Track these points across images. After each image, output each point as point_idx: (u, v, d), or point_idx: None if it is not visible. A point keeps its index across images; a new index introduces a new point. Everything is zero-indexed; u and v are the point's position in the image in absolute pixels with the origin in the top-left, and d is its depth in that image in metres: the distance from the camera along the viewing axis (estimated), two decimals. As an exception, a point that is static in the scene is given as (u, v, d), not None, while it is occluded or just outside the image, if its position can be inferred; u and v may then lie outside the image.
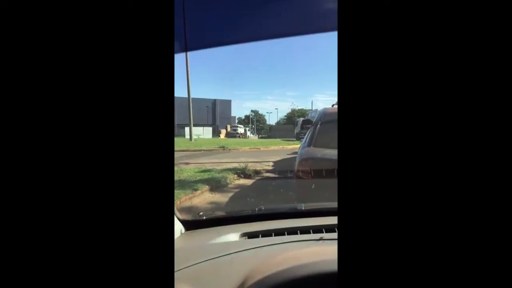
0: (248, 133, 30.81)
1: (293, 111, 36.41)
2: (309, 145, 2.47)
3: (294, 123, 25.07)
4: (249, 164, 5.23)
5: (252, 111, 55.81)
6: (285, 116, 28.21)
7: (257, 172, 4.83)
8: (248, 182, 4.29)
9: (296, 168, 2.34)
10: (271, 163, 6.08)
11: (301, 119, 24.54)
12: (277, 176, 4.46)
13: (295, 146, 11.02)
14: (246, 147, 10.59)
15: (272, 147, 11.05)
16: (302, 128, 26.11)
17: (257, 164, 5.93)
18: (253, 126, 33.92)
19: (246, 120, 49.74)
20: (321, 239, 0.74)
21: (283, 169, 4.99)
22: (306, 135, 2.90)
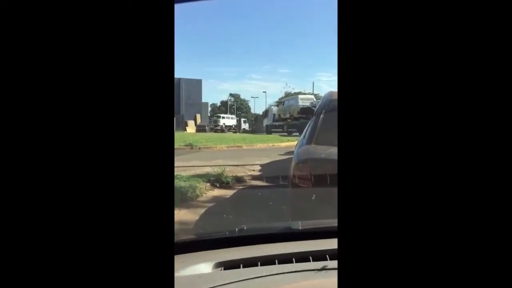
0: (245, 125, 30.10)
1: (287, 95, 36.68)
2: (309, 142, 2.49)
3: (263, 113, 25.59)
4: (227, 169, 5.22)
5: (231, 95, 56.00)
6: (277, 102, 28.35)
7: (238, 180, 4.84)
8: (225, 193, 4.30)
9: (291, 172, 2.37)
10: (258, 167, 6.11)
11: (274, 107, 25.00)
12: (265, 184, 4.50)
13: (291, 143, 11.12)
14: (222, 145, 10.57)
15: (259, 145, 11.11)
16: (276, 119, 26.42)
17: (238, 168, 5.93)
18: (233, 117, 33.76)
19: (223, 108, 49.61)
20: (324, 268, 0.75)
21: (273, 174, 5.04)
22: (306, 128, 2.93)
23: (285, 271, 0.77)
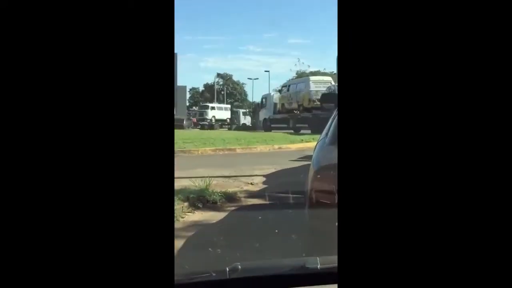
0: (245, 119, 29.72)
1: (300, 75, 36.54)
2: (332, 142, 2.55)
3: (261, 103, 25.20)
4: (214, 182, 5.23)
5: (219, 75, 55.78)
6: (284, 85, 28.12)
7: (229, 197, 4.84)
8: (211, 216, 4.29)
9: (309, 184, 2.43)
10: (258, 179, 6.15)
11: (275, 94, 24.35)
12: (267, 202, 4.49)
13: (306, 145, 11.08)
14: (207, 148, 10.58)
15: (259, 148, 11.13)
16: (278, 110, 25.64)
17: (230, 181, 5.96)
18: (227, 107, 33.22)
19: (208, 94, 49.54)
20: None
21: (280, 190, 5.03)
22: (329, 124, 2.93)
23: None
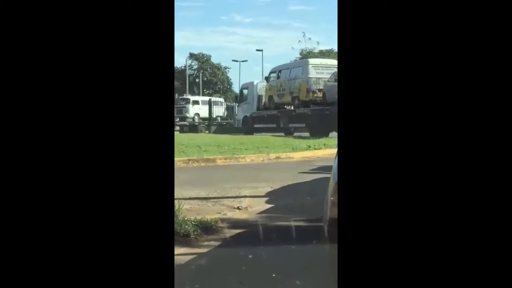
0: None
1: (305, 56, 36.74)
2: None
3: (240, 95, 25.27)
4: (186, 206, 5.24)
5: (192, 56, 55.98)
6: (273, 71, 27.80)
7: (207, 228, 4.82)
8: (183, 253, 4.28)
9: (328, 203, 2.48)
10: (249, 202, 6.17)
11: (260, 83, 24.33)
12: (261, 234, 4.48)
13: (316, 153, 11.11)
14: (177, 158, 10.57)
15: (249, 158, 11.15)
16: (263, 106, 26.31)
17: (208, 204, 6.03)
18: (218, 101, 33.10)
19: (177, 82, 49.72)
20: None
21: (279, 216, 5.02)
22: None
23: None
